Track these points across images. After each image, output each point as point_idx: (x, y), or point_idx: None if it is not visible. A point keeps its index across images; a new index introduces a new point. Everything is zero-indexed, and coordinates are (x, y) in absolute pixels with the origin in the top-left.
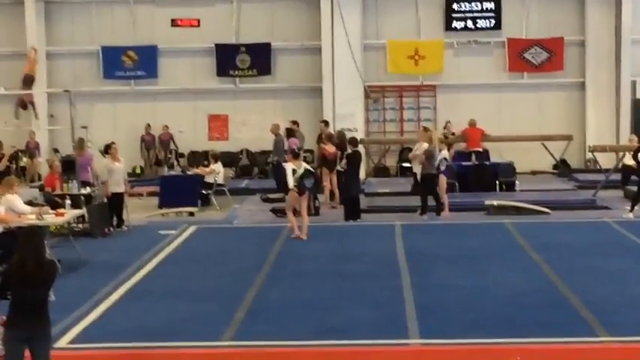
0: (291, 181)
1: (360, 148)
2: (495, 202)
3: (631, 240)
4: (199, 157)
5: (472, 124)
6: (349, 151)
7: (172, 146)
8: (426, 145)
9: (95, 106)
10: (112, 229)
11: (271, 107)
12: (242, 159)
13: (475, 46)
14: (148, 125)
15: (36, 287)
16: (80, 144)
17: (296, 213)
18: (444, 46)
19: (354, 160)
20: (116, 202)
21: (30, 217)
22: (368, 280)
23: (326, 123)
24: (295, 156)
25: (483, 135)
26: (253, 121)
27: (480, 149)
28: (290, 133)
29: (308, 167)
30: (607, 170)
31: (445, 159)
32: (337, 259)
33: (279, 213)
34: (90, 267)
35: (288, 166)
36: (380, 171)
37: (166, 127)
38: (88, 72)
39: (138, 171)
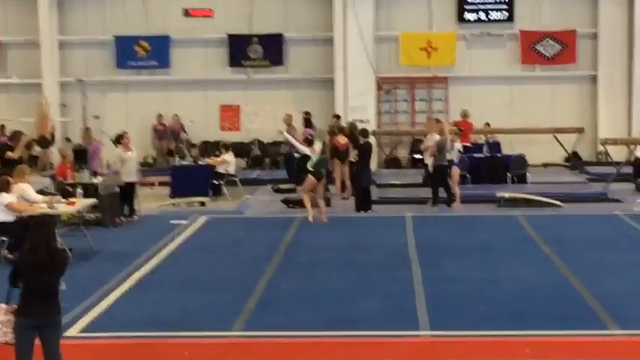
0: (300, 147)
1: (372, 140)
2: (507, 195)
3: None
4: (211, 148)
5: (463, 115)
6: (360, 142)
7: (183, 136)
8: (437, 137)
9: (107, 96)
10: (123, 218)
11: (283, 98)
12: (254, 149)
13: (487, 38)
14: (160, 115)
15: (47, 275)
16: (87, 133)
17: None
18: (457, 38)
19: (364, 151)
20: (128, 191)
21: (42, 205)
22: (379, 271)
23: (338, 117)
24: (309, 143)
25: (473, 128)
26: (265, 111)
27: (469, 144)
28: (308, 122)
29: (323, 156)
30: (618, 163)
31: (459, 150)
32: (348, 250)
33: (291, 204)
34: (101, 256)
35: (305, 149)
36: (391, 162)
37: (176, 116)
38: (100, 61)
39: (149, 161)
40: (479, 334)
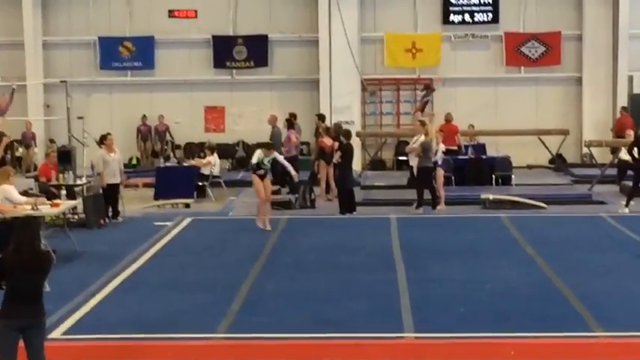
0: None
1: (357, 141)
2: (491, 196)
3: (626, 235)
4: (195, 149)
5: (448, 119)
6: (343, 142)
7: (168, 137)
8: (422, 139)
9: (91, 97)
10: (107, 220)
11: (268, 99)
12: (238, 151)
13: (472, 39)
14: (144, 116)
15: (31, 276)
16: None
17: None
18: (442, 40)
19: (346, 152)
20: (111, 193)
21: (25, 207)
22: (363, 272)
23: (320, 117)
24: (268, 147)
25: (458, 132)
26: (250, 112)
27: (455, 147)
28: (290, 124)
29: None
30: (603, 165)
31: (443, 152)
32: (333, 251)
33: (275, 205)
34: (85, 258)
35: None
36: (376, 164)
37: (162, 117)
38: (84, 62)
39: (134, 162)
40: (463, 335)
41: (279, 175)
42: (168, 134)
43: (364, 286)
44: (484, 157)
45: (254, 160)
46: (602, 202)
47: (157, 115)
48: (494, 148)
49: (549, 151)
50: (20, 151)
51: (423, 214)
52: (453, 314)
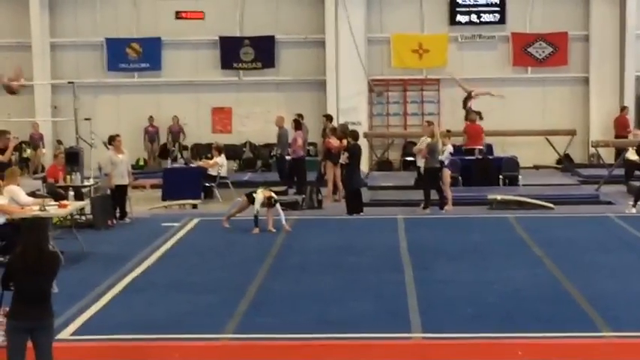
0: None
1: (364, 142)
2: (498, 197)
3: (634, 235)
4: (203, 150)
5: (472, 119)
6: (351, 143)
7: (182, 138)
8: (429, 139)
9: (99, 98)
10: (114, 221)
11: (275, 100)
12: (245, 152)
13: (479, 40)
14: (151, 117)
15: (38, 277)
16: None
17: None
18: (449, 40)
19: (354, 153)
20: (119, 194)
21: (33, 208)
22: (370, 273)
23: (328, 117)
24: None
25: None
26: (257, 114)
27: (481, 147)
28: (298, 125)
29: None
30: (610, 165)
31: (450, 153)
32: (340, 252)
33: (283, 206)
34: (93, 259)
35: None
36: (383, 165)
37: (176, 117)
38: (91, 64)
39: (141, 163)
40: (471, 335)
41: (286, 176)
42: (182, 135)
43: (371, 286)
44: (491, 157)
45: (257, 204)
46: (609, 203)
47: (164, 116)
48: (501, 149)
49: (556, 152)
50: (28, 152)
51: (431, 215)
52: (460, 315)
